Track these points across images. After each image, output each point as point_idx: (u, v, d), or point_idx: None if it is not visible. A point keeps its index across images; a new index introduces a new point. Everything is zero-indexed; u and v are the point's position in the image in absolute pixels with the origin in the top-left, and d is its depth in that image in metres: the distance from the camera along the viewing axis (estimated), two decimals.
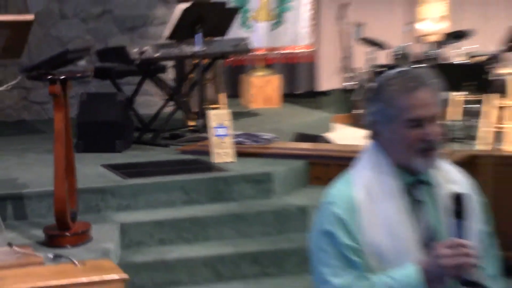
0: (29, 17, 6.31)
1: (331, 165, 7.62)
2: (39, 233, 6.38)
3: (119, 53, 8.63)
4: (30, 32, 6.35)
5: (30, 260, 5.84)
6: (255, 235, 6.99)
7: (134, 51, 8.55)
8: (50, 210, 6.46)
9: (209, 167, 7.59)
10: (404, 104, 2.89)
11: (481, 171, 7.38)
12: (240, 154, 7.80)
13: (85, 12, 10.11)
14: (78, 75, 6.71)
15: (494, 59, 10.78)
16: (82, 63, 6.96)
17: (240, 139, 8.18)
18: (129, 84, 8.87)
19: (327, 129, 9.97)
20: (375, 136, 3.02)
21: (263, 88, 10.84)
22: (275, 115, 10.31)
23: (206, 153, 7.74)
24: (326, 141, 9.26)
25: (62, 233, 6.23)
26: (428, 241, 2.93)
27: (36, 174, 7.19)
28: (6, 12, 8.33)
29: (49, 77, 6.13)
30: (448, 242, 2.82)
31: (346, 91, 11.89)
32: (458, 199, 2.88)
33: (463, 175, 3.15)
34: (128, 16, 10.19)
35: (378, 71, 10.67)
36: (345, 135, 9.71)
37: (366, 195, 2.94)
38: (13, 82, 6.97)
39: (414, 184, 2.99)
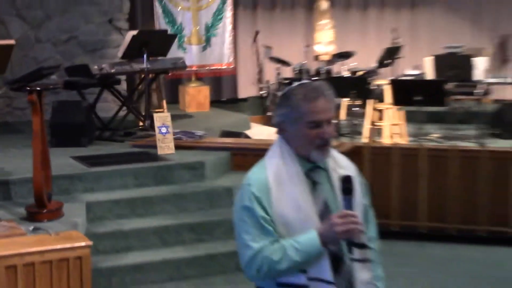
0: (11, 41, 6.27)
1: (249, 155, 7.63)
2: (22, 211, 6.37)
3: (83, 69, 8.57)
4: (12, 53, 6.35)
5: (14, 232, 5.82)
6: (192, 210, 7.04)
7: (95, 68, 8.56)
8: (30, 192, 6.41)
9: (155, 157, 7.58)
10: (306, 110, 2.91)
11: (363, 159, 7.54)
12: (179, 147, 7.80)
13: (56, 38, 9.98)
14: (51, 86, 6.68)
15: (371, 73, 11.01)
16: (53, 77, 6.88)
17: (178, 135, 8.18)
18: (91, 94, 8.78)
19: (246, 127, 9.98)
20: (282, 133, 3.03)
21: (196, 96, 10.81)
22: (205, 117, 10.30)
23: (153, 146, 7.73)
24: (245, 136, 9.24)
25: (40, 210, 6.22)
26: (324, 212, 2.95)
27: (18, 165, 7.09)
28: None
29: (28, 88, 6.12)
30: (340, 213, 2.86)
31: (260, 98, 11.90)
32: (346, 180, 2.92)
33: (349, 162, 3.18)
34: (89, 41, 10.08)
35: (284, 83, 10.76)
36: (260, 132, 9.79)
37: (276, 178, 2.95)
38: (0, 92, 6.96)
39: (313, 169, 3.01)
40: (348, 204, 2.91)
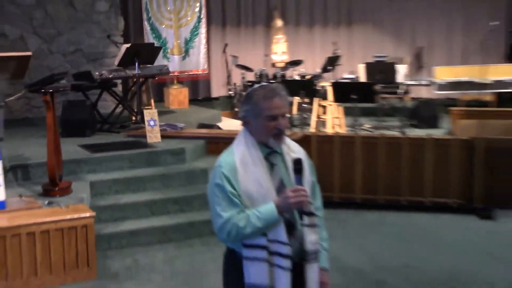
0: (29, 53, 6.22)
1: (220, 143, 7.64)
2: (39, 189, 6.35)
3: (87, 75, 8.48)
4: (30, 62, 6.31)
5: (33, 206, 5.84)
6: (175, 187, 7.02)
7: (96, 74, 8.47)
8: (45, 174, 6.38)
9: (145, 145, 7.55)
10: (265, 107, 2.93)
11: (311, 145, 7.54)
12: (164, 136, 7.77)
13: (65, 50, 9.90)
14: (61, 89, 6.59)
15: (317, 77, 11.02)
16: (63, 81, 6.79)
17: (164, 127, 8.14)
18: (93, 94, 8.72)
19: (218, 121, 9.97)
20: (246, 125, 3.03)
21: (177, 95, 10.78)
22: (185, 112, 10.24)
23: (143, 136, 7.69)
24: (217, 128, 9.25)
25: (53, 188, 6.21)
26: (280, 188, 2.96)
27: (36, 152, 7.03)
28: (15, 50, 8.16)
29: (42, 90, 6.14)
30: (292, 188, 2.88)
31: (229, 97, 11.88)
32: (297, 162, 2.96)
33: (300, 147, 3.17)
34: (92, 52, 10.01)
35: (247, 85, 10.73)
36: (229, 124, 9.76)
37: (241, 161, 2.95)
38: (20, 94, 6.86)
39: (270, 154, 3.01)
40: (299, 181, 2.94)
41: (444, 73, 11.50)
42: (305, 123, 10.40)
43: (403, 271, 5.72)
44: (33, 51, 7.78)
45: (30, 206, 5.81)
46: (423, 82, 12.01)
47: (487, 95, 11.38)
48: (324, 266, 3.20)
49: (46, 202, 5.97)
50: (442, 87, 11.45)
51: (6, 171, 5.96)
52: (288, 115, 3.12)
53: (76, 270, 5.56)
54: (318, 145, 7.64)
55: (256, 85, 3.06)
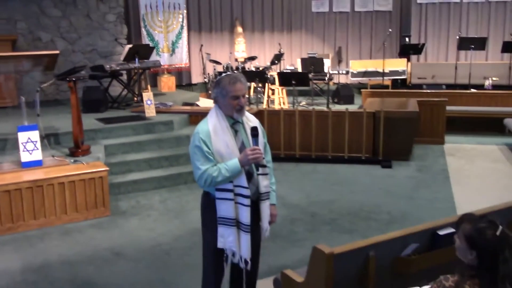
0: (57, 52, 6.05)
1: (199, 116, 7.57)
2: (66, 151, 6.22)
3: (100, 68, 8.25)
4: (58, 59, 6.14)
5: (63, 163, 5.75)
6: (166, 148, 6.92)
7: (107, 67, 8.21)
8: (71, 140, 6.28)
9: (144, 118, 7.34)
10: (230, 89, 2.92)
11: (263, 117, 7.50)
12: (158, 112, 7.56)
13: (84, 49, 9.60)
14: (81, 78, 6.50)
15: (267, 68, 10.93)
16: (83, 72, 6.72)
17: (157, 105, 7.92)
18: (105, 82, 8.50)
19: (197, 100, 9.82)
20: (216, 103, 3.02)
21: (167, 82, 10.57)
22: (173, 94, 10.03)
23: (142, 112, 7.46)
24: (196, 105, 9.15)
25: (77, 150, 6.09)
26: (242, 148, 2.97)
27: (64, 123, 6.82)
28: (47, 50, 7.94)
29: (68, 79, 6.01)
30: (250, 148, 2.90)
31: (204, 83, 11.74)
32: (253, 129, 2.96)
33: (255, 118, 3.14)
34: (104, 51, 9.75)
35: (217, 74, 10.60)
36: (204, 103, 9.64)
37: (213, 129, 2.94)
38: (51, 82, 6.67)
39: (234, 123, 3.01)
40: (255, 143, 2.94)
41: (357, 65, 11.54)
42: (259, 101, 10.33)
43: (329, 205, 5.78)
44: (60, 50, 7.55)
45: (60, 164, 5.73)
46: (342, 71, 12.05)
47: (386, 80, 11.46)
48: (273, 202, 3.22)
49: (72, 160, 5.87)
50: (355, 75, 11.49)
51: (42, 138, 5.82)
52: (246, 96, 3.10)
53: (95, 209, 5.51)
54: (269, 117, 7.59)
55: (224, 74, 3.03)
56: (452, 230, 2.84)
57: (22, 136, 5.51)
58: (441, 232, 2.94)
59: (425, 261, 2.88)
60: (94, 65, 8.74)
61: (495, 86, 10.52)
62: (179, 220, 5.39)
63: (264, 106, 10.05)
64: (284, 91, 10.67)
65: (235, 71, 10.80)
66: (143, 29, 10.32)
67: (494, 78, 10.78)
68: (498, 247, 2.06)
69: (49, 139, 6.42)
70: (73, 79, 6.01)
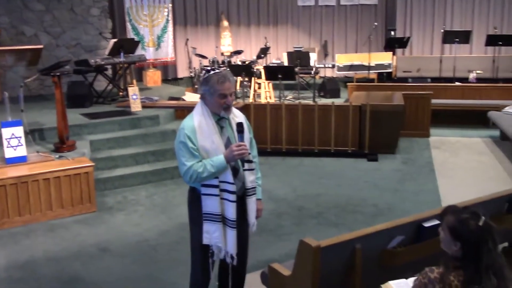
0: (41, 46, 6.00)
1: (185, 110, 7.52)
2: (51, 146, 6.16)
3: (85, 62, 8.16)
4: (42, 53, 6.08)
5: (48, 159, 5.69)
6: (152, 143, 6.87)
7: (92, 61, 8.12)
8: (56, 135, 6.20)
9: (129, 113, 7.29)
10: (218, 88, 2.90)
11: (250, 111, 7.48)
12: (144, 106, 7.50)
13: (68, 43, 9.49)
14: (66, 73, 6.41)
15: (253, 62, 10.91)
16: (67, 67, 6.65)
17: (143, 100, 7.87)
18: (90, 76, 8.43)
19: (182, 94, 9.78)
20: (203, 99, 2.99)
21: (152, 76, 10.48)
22: (159, 89, 9.95)
23: (128, 106, 7.42)
24: (182, 100, 9.12)
25: (62, 145, 6.04)
26: (228, 144, 2.96)
27: (49, 119, 6.75)
28: (30, 44, 7.84)
29: (52, 74, 5.93)
30: (236, 144, 2.88)
31: (190, 77, 11.69)
32: (239, 125, 2.94)
33: (241, 113, 3.13)
34: (88, 45, 9.64)
35: (204, 69, 10.49)
36: (190, 97, 9.61)
37: (199, 125, 2.92)
38: (35, 77, 6.61)
39: (220, 120, 2.99)
40: (241, 138, 2.93)
41: (343, 59, 11.56)
42: (246, 95, 10.32)
43: (315, 198, 5.80)
44: (44, 45, 7.50)
45: (45, 159, 5.67)
46: (328, 65, 12.07)
47: (371, 74, 11.51)
48: (259, 197, 3.21)
49: (57, 156, 5.81)
50: (341, 68, 11.51)
51: (26, 134, 5.76)
52: (234, 92, 3.09)
53: (81, 205, 5.47)
54: (255, 111, 7.57)
55: (212, 72, 2.98)
56: (437, 222, 2.86)
57: (6, 132, 5.44)
58: (427, 224, 2.96)
59: (410, 253, 2.91)
60: (79, 60, 8.63)
61: (479, 79, 10.63)
62: (165, 215, 5.37)
63: (251, 100, 10.04)
64: (270, 85, 10.67)
65: (221, 65, 10.81)
66: (128, 23, 10.23)
67: (478, 71, 10.89)
68: (481, 237, 2.08)
69: (34, 135, 6.35)
70: (57, 74, 5.94)
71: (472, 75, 10.68)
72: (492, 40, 10.68)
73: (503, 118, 7.75)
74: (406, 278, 2.63)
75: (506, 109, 8.04)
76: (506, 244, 3.80)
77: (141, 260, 4.37)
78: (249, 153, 2.97)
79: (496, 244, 2.13)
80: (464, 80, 10.48)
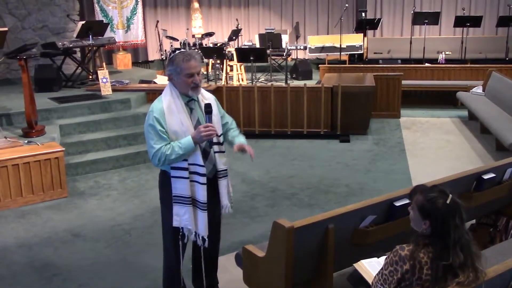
0: (5, 29, 5.84)
1: (156, 93, 7.35)
2: (19, 131, 6.03)
3: (52, 45, 7.96)
4: (7, 36, 5.91)
5: (16, 144, 5.57)
6: (124, 127, 6.78)
7: (59, 44, 7.91)
8: (24, 120, 6.08)
9: (100, 96, 7.15)
10: (184, 67, 2.88)
11: (222, 93, 7.44)
12: (114, 90, 7.41)
13: (34, 26, 9.20)
14: (32, 56, 6.28)
15: (225, 44, 10.81)
16: (34, 50, 6.45)
17: (113, 83, 7.76)
18: (58, 60, 8.23)
19: (154, 77, 9.67)
20: (171, 80, 2.97)
21: (123, 59, 10.27)
22: (129, 72, 9.77)
23: (98, 90, 7.29)
24: (153, 83, 8.99)
25: (30, 130, 5.92)
26: (197, 125, 2.92)
27: (16, 104, 6.60)
28: None
29: (18, 57, 5.80)
30: (204, 125, 2.86)
31: (161, 60, 11.55)
32: (207, 106, 2.91)
33: (211, 95, 3.11)
34: (55, 27, 9.36)
35: (174, 51, 10.44)
36: (162, 80, 9.48)
37: (168, 107, 2.90)
38: (0, 60, 6.45)
39: (189, 101, 2.97)
40: (209, 119, 2.91)
41: (315, 41, 11.56)
42: (218, 78, 10.25)
43: (289, 180, 5.83)
44: (9, 27, 7.28)
45: (14, 145, 5.54)
46: (300, 47, 12.05)
47: (343, 55, 11.54)
48: (243, 141, 3.16)
49: (26, 141, 5.69)
50: (313, 50, 11.52)
51: None
52: (204, 72, 3.06)
53: (52, 191, 5.38)
54: (227, 94, 7.52)
55: (177, 51, 2.96)
56: (408, 201, 2.91)
57: None
58: (398, 203, 3.01)
59: (382, 232, 2.95)
60: (46, 43, 8.41)
61: (448, 60, 10.77)
62: (139, 199, 5.33)
63: (223, 82, 9.95)
64: (242, 67, 10.61)
65: (193, 48, 10.70)
66: (96, 5, 9.98)
67: (447, 52, 11.04)
68: (448, 214, 2.14)
69: (1, 120, 6.21)
70: (24, 57, 5.79)
71: (441, 56, 10.81)
72: (460, 22, 10.81)
73: (471, 98, 7.90)
74: (378, 257, 2.67)
75: (474, 89, 8.19)
76: (473, 221, 3.89)
77: (115, 245, 4.34)
78: (219, 135, 2.96)
79: (463, 221, 2.19)
80: (434, 61, 10.61)
